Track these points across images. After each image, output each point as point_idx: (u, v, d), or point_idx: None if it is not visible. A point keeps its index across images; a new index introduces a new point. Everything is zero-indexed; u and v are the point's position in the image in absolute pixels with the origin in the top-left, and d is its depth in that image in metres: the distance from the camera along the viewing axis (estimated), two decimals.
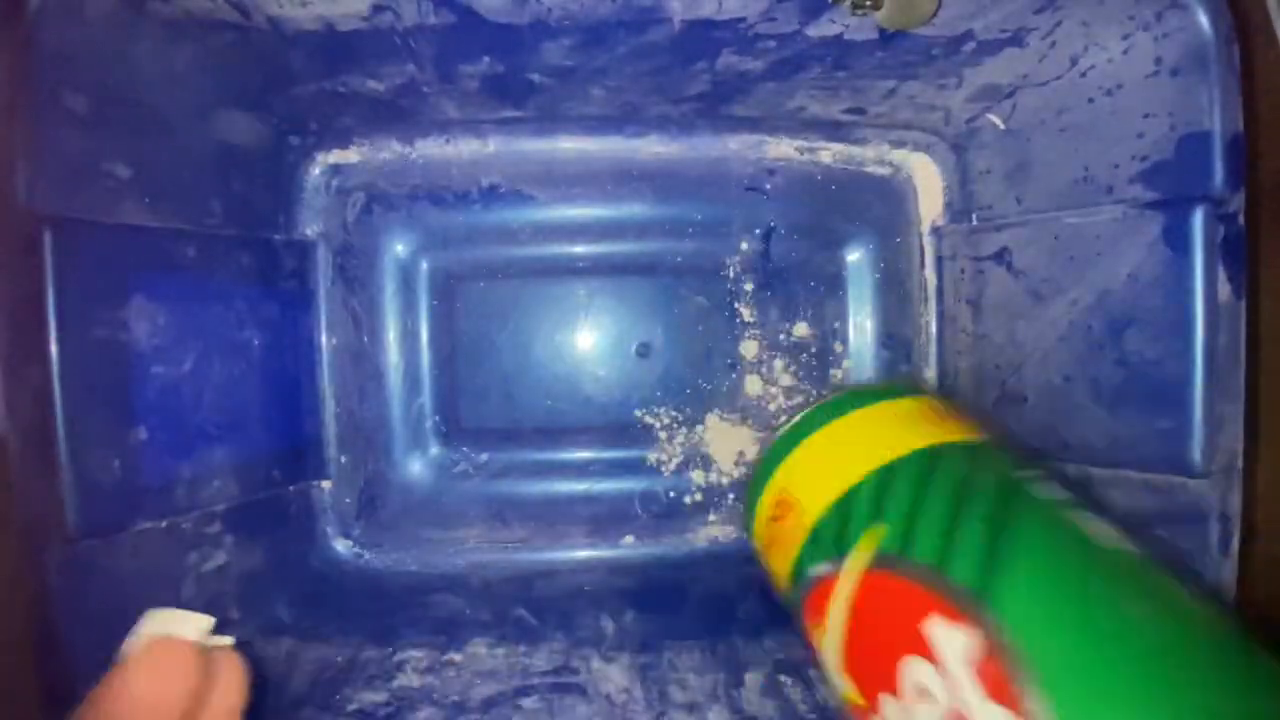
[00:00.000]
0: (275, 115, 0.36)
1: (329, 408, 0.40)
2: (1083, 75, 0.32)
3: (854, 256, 0.42)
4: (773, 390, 0.42)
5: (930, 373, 0.42)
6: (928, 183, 0.42)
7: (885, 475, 0.21)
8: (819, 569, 0.21)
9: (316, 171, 0.39)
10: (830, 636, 0.20)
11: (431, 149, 0.39)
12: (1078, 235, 0.33)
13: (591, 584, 0.39)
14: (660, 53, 0.32)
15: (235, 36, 0.29)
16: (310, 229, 0.39)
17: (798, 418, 0.25)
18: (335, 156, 0.39)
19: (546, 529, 0.41)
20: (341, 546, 0.40)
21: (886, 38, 0.31)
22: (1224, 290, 0.28)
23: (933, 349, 0.42)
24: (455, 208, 0.40)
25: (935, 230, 0.42)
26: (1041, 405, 0.35)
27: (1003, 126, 0.37)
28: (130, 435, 0.28)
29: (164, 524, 0.29)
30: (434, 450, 0.41)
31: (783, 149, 0.41)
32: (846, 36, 0.31)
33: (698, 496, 0.42)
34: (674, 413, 0.42)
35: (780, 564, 0.23)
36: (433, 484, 0.41)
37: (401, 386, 0.40)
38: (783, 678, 0.31)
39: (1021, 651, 0.15)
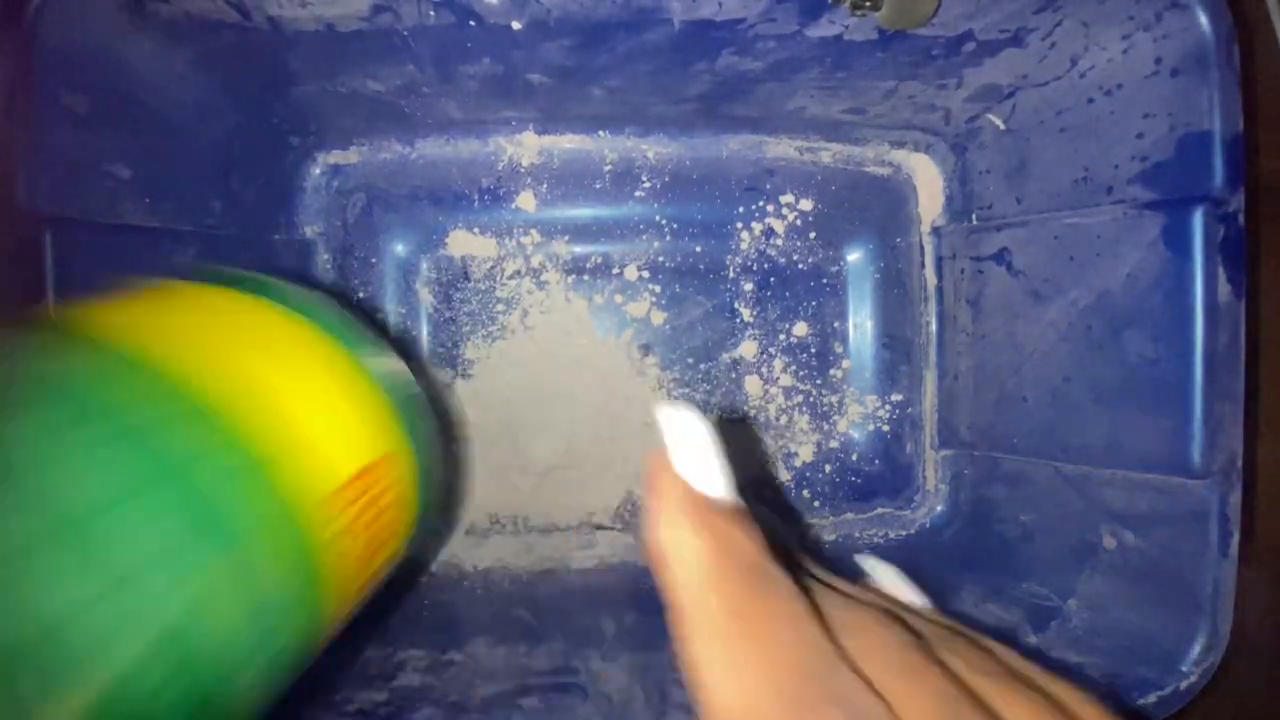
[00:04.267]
0: (275, 115, 0.36)
1: None
2: (1082, 75, 0.32)
3: (854, 256, 0.42)
4: (773, 390, 0.42)
5: (930, 373, 0.42)
6: (928, 183, 0.42)
7: None
8: None
9: (316, 171, 0.39)
10: None
11: (431, 149, 0.39)
12: (1078, 235, 0.33)
13: (591, 584, 0.39)
14: (660, 53, 0.32)
15: (235, 37, 0.29)
16: (310, 229, 0.39)
17: None
18: (335, 156, 0.39)
19: (548, 529, 0.41)
20: None
21: (886, 38, 0.31)
22: (1224, 290, 0.28)
23: (933, 349, 0.42)
24: (455, 208, 0.40)
25: (935, 230, 0.42)
26: (1041, 405, 0.35)
27: (1003, 126, 0.37)
28: None
29: None
30: None
31: (783, 149, 0.41)
32: (846, 37, 0.31)
33: None
34: None
35: None
36: None
37: None
38: None
39: None
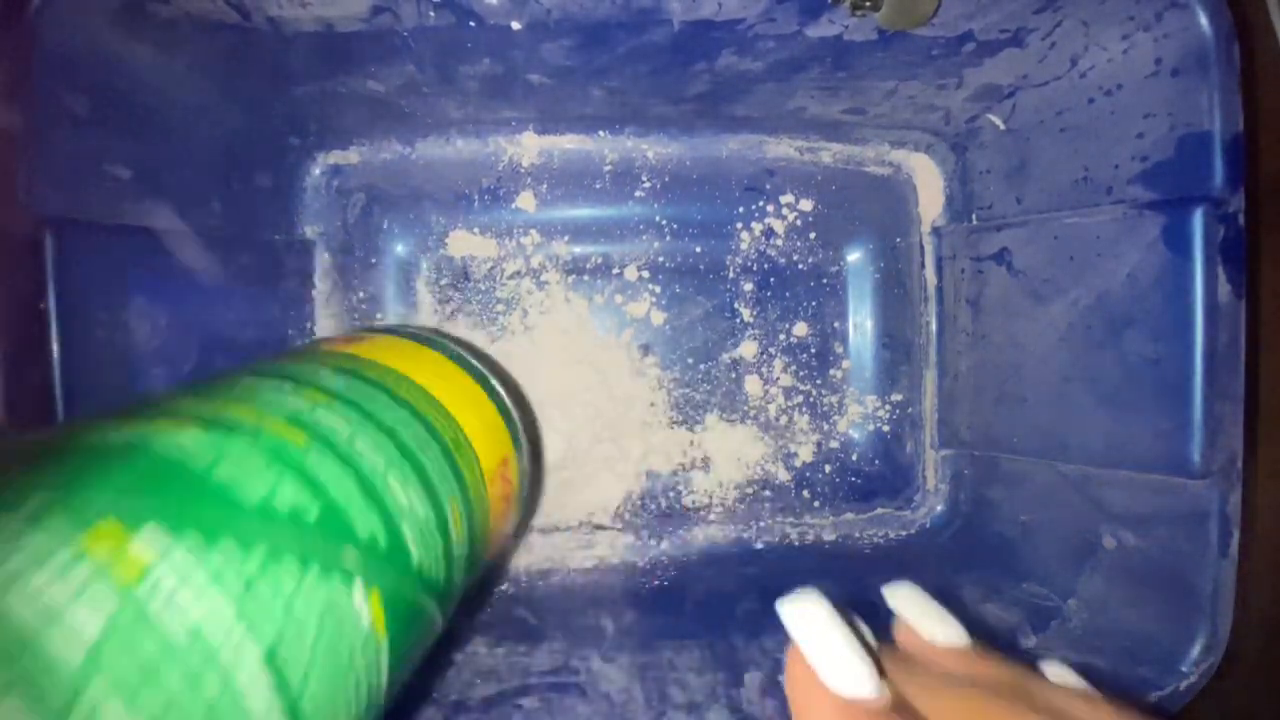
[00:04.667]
0: (275, 115, 0.36)
1: None
2: (1083, 75, 0.32)
3: (854, 256, 0.42)
4: (773, 390, 0.42)
5: (930, 373, 0.42)
6: (928, 183, 0.42)
7: None
8: None
9: (316, 171, 0.39)
10: None
11: (431, 149, 0.39)
12: (1078, 235, 0.33)
13: (591, 584, 0.39)
14: (660, 53, 0.32)
15: (235, 37, 0.29)
16: (310, 229, 0.39)
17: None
18: (335, 156, 0.39)
19: (548, 529, 0.41)
20: None
21: (886, 38, 0.31)
22: (1224, 290, 0.28)
23: (933, 349, 0.42)
24: (455, 208, 0.40)
25: (935, 230, 0.42)
26: (1041, 405, 0.35)
27: (1003, 126, 0.37)
28: None
29: None
30: None
31: (783, 149, 0.41)
32: (846, 37, 0.31)
33: (698, 496, 0.42)
34: (673, 413, 0.42)
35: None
36: None
37: None
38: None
39: None
